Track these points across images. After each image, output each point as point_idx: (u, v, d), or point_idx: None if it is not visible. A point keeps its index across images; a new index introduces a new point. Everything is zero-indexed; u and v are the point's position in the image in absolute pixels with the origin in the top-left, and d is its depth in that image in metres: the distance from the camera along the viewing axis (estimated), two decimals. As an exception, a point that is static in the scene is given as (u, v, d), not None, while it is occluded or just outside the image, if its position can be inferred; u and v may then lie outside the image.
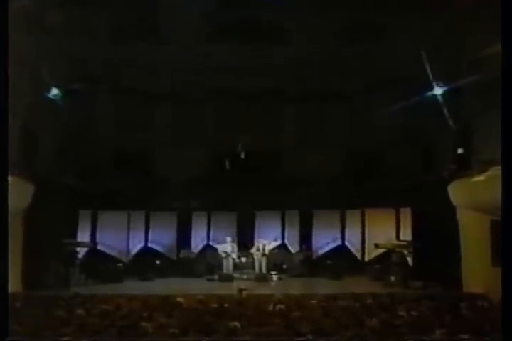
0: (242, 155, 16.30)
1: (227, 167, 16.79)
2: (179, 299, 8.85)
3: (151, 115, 17.78)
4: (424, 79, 12.62)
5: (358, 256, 16.56)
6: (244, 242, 16.49)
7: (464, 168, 12.38)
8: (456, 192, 12.23)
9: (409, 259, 14.02)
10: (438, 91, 12.85)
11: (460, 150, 13.52)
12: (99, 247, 15.58)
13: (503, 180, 5.86)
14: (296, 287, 14.20)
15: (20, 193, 10.83)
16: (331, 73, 16.86)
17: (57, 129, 15.42)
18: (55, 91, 13.41)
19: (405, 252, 13.93)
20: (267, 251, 15.58)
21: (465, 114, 13.22)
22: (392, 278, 13.77)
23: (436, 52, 12.92)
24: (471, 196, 11.43)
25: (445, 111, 13.05)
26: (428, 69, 12.09)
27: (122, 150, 17.27)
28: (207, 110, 18.10)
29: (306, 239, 16.90)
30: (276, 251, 16.81)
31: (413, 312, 7.49)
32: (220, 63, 16.53)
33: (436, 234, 12.94)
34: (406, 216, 15.16)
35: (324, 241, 16.97)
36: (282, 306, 8.14)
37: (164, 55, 16.30)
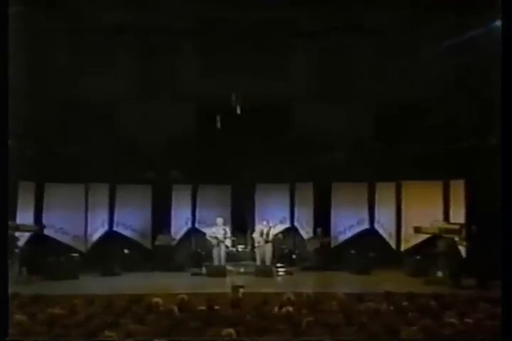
0: (238, 110, 16.20)
1: (218, 125, 16.70)
2: (155, 299, 8.81)
3: (114, 55, 17.57)
4: (488, 4, 12.25)
5: (392, 243, 16.60)
6: (242, 225, 16.66)
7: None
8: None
9: (462, 248, 14.00)
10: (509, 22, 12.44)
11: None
12: (46, 232, 15.51)
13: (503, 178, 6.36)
14: (309, 283, 14.31)
15: None
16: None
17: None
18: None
19: (456, 239, 13.92)
20: (271, 237, 15.66)
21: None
22: (439, 274, 13.82)
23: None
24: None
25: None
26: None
27: (77, 103, 17.08)
28: (189, 48, 17.87)
29: (322, 220, 16.96)
30: (284, 236, 16.92)
31: (467, 320, 7.42)
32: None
33: (498, 214, 12.82)
34: (458, 190, 15.07)
35: (347, 223, 17.05)
36: (291, 308, 8.10)
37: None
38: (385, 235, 16.79)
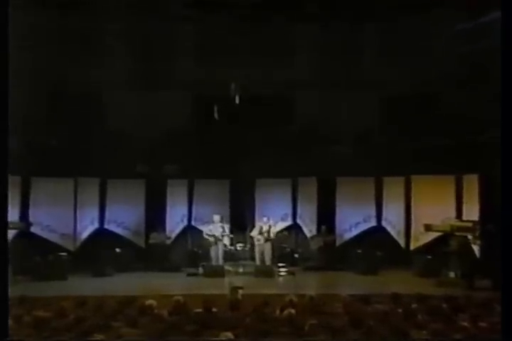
0: (237, 100, 16.16)
1: (216, 116, 16.68)
2: (148, 301, 8.83)
3: (103, 41, 17.50)
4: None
5: (401, 241, 16.61)
6: (241, 222, 16.64)
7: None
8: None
9: (476, 248, 13.99)
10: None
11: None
12: (32, 229, 15.51)
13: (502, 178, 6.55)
14: (312, 284, 14.37)
15: None
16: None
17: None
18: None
19: (470, 237, 13.88)
20: (272, 235, 15.67)
21: None
22: (451, 274, 13.82)
23: None
24: None
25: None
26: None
27: (65, 93, 17.06)
28: (184, 33, 17.81)
29: (326, 217, 16.97)
30: (286, 234, 16.97)
31: (481, 323, 7.44)
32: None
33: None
34: (471, 186, 15.05)
35: (352, 220, 17.08)
36: (293, 310, 8.12)
37: None
38: (393, 233, 16.79)
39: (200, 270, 15.37)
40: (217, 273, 14.98)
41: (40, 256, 14.82)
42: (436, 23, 16.30)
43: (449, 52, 16.48)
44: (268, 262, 15.57)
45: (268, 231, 15.62)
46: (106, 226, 16.79)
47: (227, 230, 15.82)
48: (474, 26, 14.07)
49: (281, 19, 17.48)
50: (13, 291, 11.05)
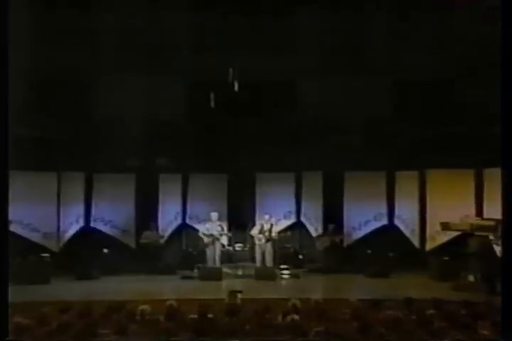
0: (236, 87, 16.14)
1: (212, 105, 16.66)
2: (141, 307, 8.82)
3: (91, 24, 17.47)
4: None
5: (415, 242, 16.61)
6: (240, 220, 16.69)
7: None
8: None
9: (498, 248, 13.97)
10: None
11: None
12: (12, 228, 15.38)
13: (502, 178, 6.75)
14: (318, 288, 14.42)
15: None
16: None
17: None
18: None
19: (491, 237, 13.83)
20: (274, 234, 15.68)
21: None
22: (471, 278, 13.82)
23: None
24: None
25: None
26: None
27: (47, 78, 17.01)
28: (180, 17, 17.76)
29: (333, 215, 17.01)
30: (289, 233, 16.99)
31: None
32: None
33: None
34: (493, 181, 14.96)
35: (362, 218, 17.10)
36: (296, 316, 8.10)
37: None
38: (406, 232, 16.79)
39: (196, 272, 15.41)
40: (214, 275, 15.00)
41: (21, 257, 14.75)
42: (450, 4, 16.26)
43: (466, 36, 16.42)
44: (269, 264, 15.62)
45: (269, 230, 15.65)
46: (92, 224, 16.82)
47: (225, 229, 15.84)
48: (492, 8, 14.01)
49: (283, 3, 17.43)
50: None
